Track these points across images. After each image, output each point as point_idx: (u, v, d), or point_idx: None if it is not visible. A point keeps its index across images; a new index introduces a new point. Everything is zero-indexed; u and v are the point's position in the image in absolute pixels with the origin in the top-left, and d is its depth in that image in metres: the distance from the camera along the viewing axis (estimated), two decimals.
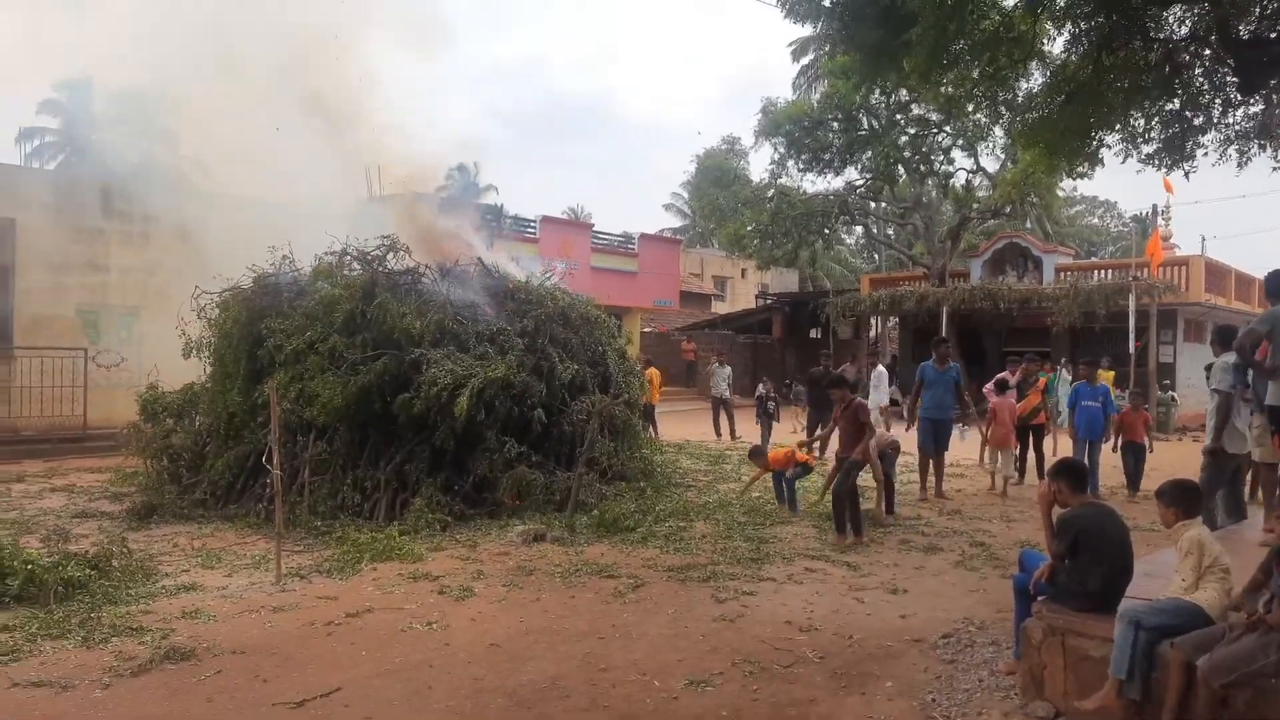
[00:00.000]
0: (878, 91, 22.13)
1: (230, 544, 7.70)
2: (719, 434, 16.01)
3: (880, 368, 16.15)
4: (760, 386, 15.74)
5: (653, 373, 15.28)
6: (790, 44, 36.06)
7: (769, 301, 33.09)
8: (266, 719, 4.25)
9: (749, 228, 26.11)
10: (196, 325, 10.16)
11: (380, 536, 7.66)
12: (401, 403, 8.77)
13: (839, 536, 7.71)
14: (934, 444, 10.10)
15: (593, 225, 28.21)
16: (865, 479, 8.69)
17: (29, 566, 5.99)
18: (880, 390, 15.00)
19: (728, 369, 16.92)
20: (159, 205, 15.45)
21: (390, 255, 10.04)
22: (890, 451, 9.19)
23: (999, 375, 10.94)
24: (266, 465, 8.09)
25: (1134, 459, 10.36)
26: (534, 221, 25.00)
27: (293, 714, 4.30)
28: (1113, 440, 10.42)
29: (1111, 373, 17.58)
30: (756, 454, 9.84)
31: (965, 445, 12.06)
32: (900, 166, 25.27)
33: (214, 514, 8.85)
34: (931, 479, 10.10)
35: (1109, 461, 10.89)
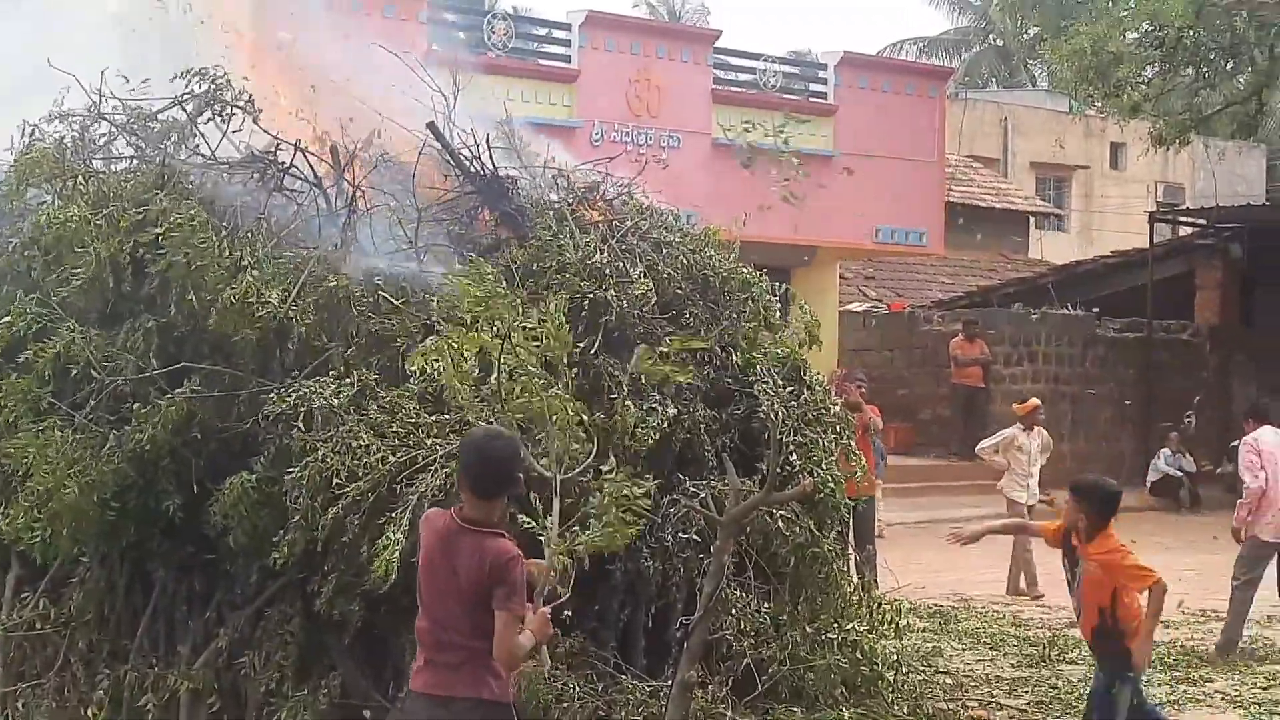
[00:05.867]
0: None
1: None
2: None
3: None
4: (1165, 452, 15.73)
5: (867, 416, 15.83)
6: None
7: (1186, 233, 33.13)
8: None
9: (1131, 35, 26.10)
10: None
11: None
12: (233, 497, 9.16)
13: None
14: None
15: (717, 35, 28.54)
16: None
17: None
18: None
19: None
20: None
21: (207, 118, 10.54)
22: None
23: None
24: None
25: None
26: (565, 27, 25.51)
27: None
28: None
29: None
30: None
31: None
32: None
33: None
34: None
35: None
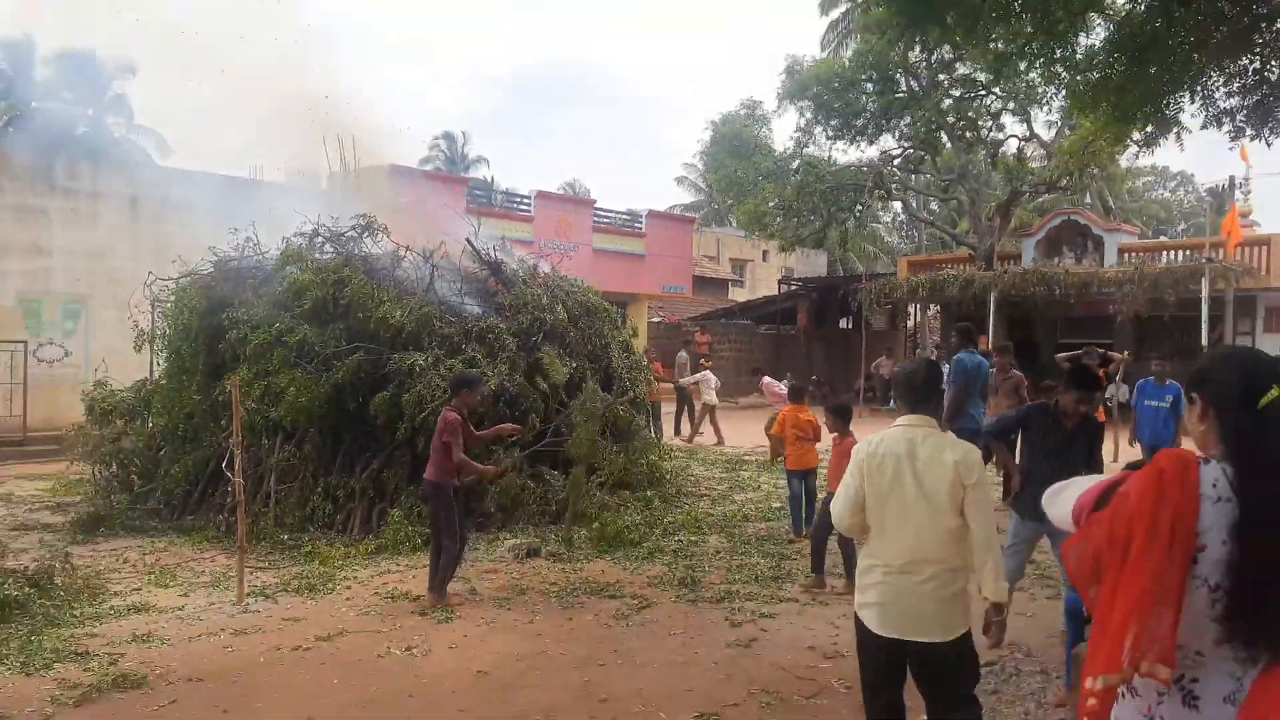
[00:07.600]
0: (917, 48, 22.01)
1: (186, 560, 7.76)
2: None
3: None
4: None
5: (656, 368, 15.95)
6: None
7: (793, 288, 33.22)
8: None
9: (771, 203, 26.12)
10: (150, 315, 10.23)
11: (354, 552, 7.77)
12: (379, 403, 8.86)
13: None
14: None
15: (594, 202, 28.33)
16: None
17: None
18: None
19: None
20: (109, 181, 15.54)
21: (366, 236, 10.15)
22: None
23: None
24: (227, 472, 8.20)
25: None
26: (528, 198, 25.14)
27: None
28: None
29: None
30: None
31: None
32: (943, 134, 25.16)
33: (168, 526, 8.94)
34: None
35: None
